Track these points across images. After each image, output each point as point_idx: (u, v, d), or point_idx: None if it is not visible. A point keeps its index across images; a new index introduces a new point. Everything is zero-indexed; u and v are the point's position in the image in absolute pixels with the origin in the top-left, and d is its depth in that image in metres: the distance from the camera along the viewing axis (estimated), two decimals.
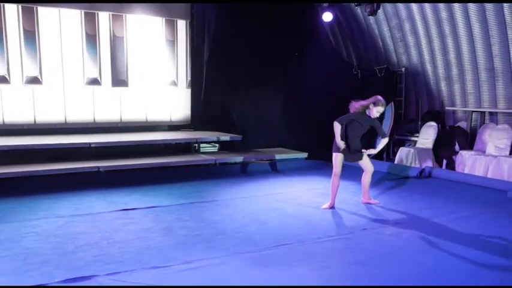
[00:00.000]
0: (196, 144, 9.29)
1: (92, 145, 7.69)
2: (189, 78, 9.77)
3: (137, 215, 5.51)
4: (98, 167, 7.40)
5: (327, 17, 10.12)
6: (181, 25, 9.55)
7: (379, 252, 4.34)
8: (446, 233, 4.94)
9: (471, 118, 9.04)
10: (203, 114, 9.89)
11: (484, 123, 8.91)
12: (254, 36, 9.49)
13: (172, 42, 9.44)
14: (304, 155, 9.38)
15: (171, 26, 9.44)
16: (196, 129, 10.03)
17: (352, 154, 5.87)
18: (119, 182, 7.19)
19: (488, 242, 4.69)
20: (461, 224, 5.30)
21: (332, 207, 5.97)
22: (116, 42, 8.88)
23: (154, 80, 9.36)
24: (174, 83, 9.63)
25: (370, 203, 6.18)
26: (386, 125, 9.61)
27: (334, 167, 5.90)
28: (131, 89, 9.13)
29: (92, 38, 8.63)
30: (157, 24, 9.28)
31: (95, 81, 8.75)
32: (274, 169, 8.90)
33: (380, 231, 4.99)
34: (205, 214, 5.59)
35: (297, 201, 6.36)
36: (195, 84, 9.87)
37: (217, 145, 9.86)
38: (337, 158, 5.86)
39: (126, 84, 9.06)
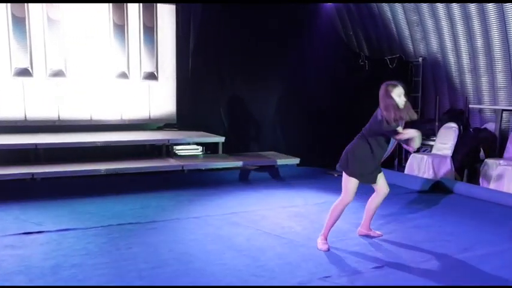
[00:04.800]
0: (170, 147, 7.94)
1: (30, 146, 6.48)
2: (143, 70, 8.34)
3: (32, 242, 4.16)
4: (33, 174, 6.17)
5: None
6: (133, 8, 8.12)
7: None
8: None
9: (501, 118, 7.29)
10: (187, 112, 8.67)
11: None
12: (246, 25, 8.21)
13: (122, 27, 7.99)
14: (296, 161, 7.88)
15: (120, 8, 7.99)
16: (180, 128, 8.82)
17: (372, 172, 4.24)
18: (55, 192, 5.92)
19: None
20: (473, 272, 3.69)
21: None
22: (50, 26, 7.48)
23: (99, 71, 7.94)
24: (125, 75, 8.23)
25: (369, 235, 4.56)
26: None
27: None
28: (70, 81, 7.74)
29: (20, 22, 7.27)
30: (103, 7, 7.87)
31: (25, 72, 7.45)
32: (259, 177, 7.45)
33: (349, 281, 3.46)
34: (121, 243, 4.18)
35: (257, 225, 4.88)
36: (179, 78, 8.66)
37: (199, 148, 8.55)
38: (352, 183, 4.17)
39: (64, 75, 7.71)
